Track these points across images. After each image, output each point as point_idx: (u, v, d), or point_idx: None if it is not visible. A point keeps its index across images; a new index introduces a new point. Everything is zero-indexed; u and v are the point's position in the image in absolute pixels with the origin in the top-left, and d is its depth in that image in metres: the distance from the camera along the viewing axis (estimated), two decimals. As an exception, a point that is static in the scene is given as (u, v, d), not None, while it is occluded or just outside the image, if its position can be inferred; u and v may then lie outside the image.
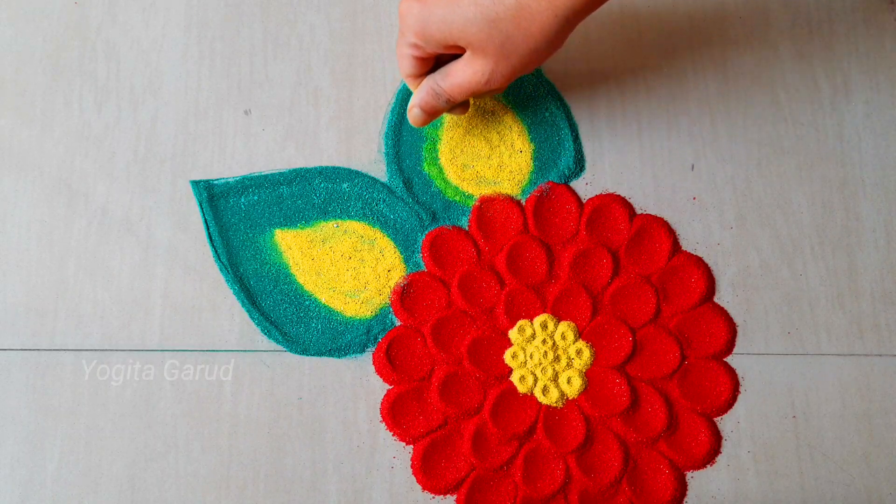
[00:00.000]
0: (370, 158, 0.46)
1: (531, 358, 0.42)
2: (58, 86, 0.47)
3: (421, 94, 0.40)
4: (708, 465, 0.42)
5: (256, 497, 0.41)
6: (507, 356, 0.42)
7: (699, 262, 0.44)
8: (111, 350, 0.43)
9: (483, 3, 0.35)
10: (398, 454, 0.42)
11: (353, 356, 0.43)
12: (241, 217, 0.45)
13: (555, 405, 0.42)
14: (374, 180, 0.45)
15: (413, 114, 0.41)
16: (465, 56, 0.37)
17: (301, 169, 0.46)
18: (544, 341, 0.42)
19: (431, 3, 0.36)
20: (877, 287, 0.44)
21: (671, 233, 0.45)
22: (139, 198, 0.45)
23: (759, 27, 0.48)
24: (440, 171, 0.46)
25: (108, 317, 0.43)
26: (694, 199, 0.46)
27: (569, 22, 0.36)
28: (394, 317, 0.43)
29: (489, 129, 0.46)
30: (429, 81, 0.39)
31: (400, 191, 0.45)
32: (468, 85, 0.38)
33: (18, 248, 0.44)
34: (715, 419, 0.42)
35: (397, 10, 0.48)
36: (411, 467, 0.41)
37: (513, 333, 0.43)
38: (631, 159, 0.46)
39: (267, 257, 0.44)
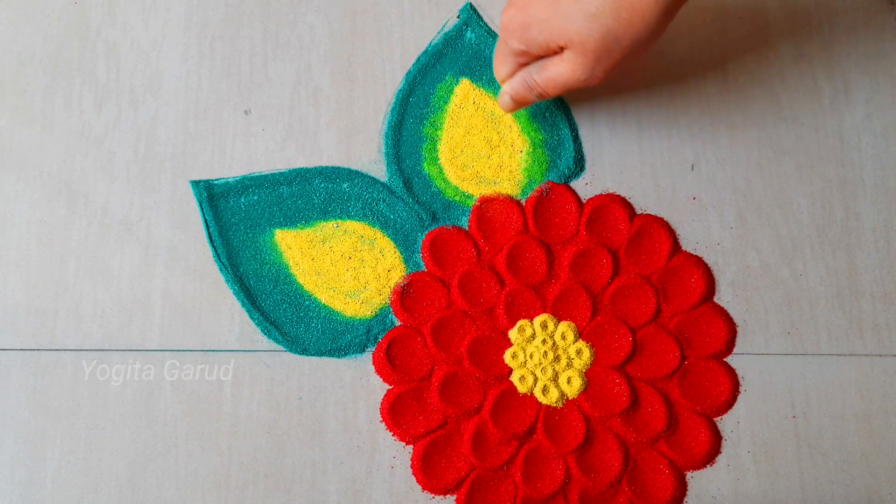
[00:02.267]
0: (370, 158, 0.46)
1: (531, 358, 0.42)
2: (58, 86, 0.47)
3: (514, 84, 0.40)
4: (708, 465, 0.42)
5: (256, 497, 0.41)
6: (507, 356, 0.42)
7: (699, 262, 0.44)
8: (111, 350, 0.43)
9: (583, 0, 0.35)
10: (398, 454, 0.42)
11: (353, 356, 0.43)
12: (241, 217, 0.45)
13: (555, 405, 0.42)
14: (374, 180, 0.45)
15: (503, 100, 0.42)
16: (565, 53, 0.37)
17: (301, 169, 0.46)
18: (544, 341, 0.42)
19: (532, 7, 0.37)
20: (877, 287, 0.44)
21: (671, 233, 0.45)
22: (139, 198, 0.45)
23: (759, 27, 0.48)
24: (440, 171, 0.46)
25: (108, 317, 0.43)
26: (694, 199, 0.46)
27: (669, 9, 0.35)
28: (394, 317, 0.43)
29: (489, 129, 0.46)
30: (524, 73, 0.40)
31: (400, 191, 0.45)
32: (566, 82, 0.38)
33: (18, 248, 0.44)
34: (715, 419, 0.42)
35: (397, 11, 0.48)
36: (411, 467, 0.41)
37: (513, 333, 0.43)
38: (631, 159, 0.46)
39: (267, 257, 0.44)
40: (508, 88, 0.41)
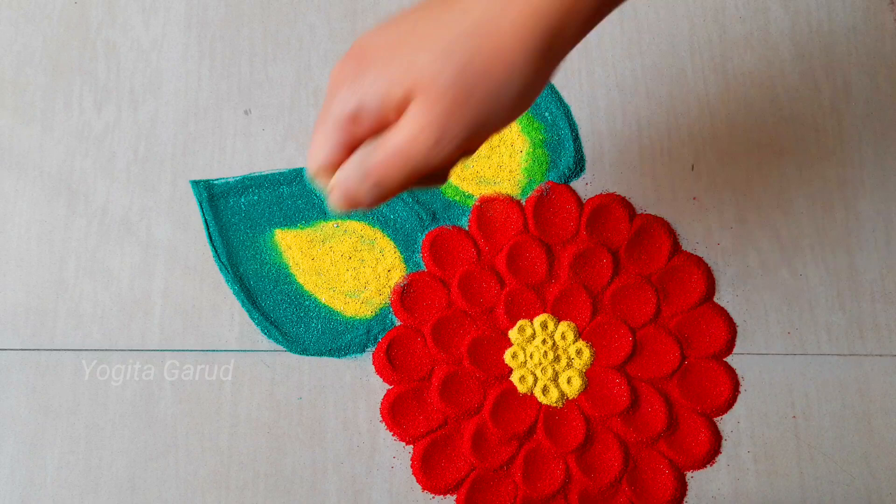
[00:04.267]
0: (370, 158, 0.46)
1: (531, 358, 0.42)
2: (58, 86, 0.47)
3: (345, 173, 0.27)
4: (708, 465, 0.42)
5: (256, 497, 0.41)
6: (507, 356, 0.42)
7: (699, 262, 0.44)
8: (111, 350, 0.43)
9: (433, 33, 0.25)
10: (398, 454, 0.42)
11: (353, 356, 0.43)
12: (241, 217, 0.45)
13: (555, 405, 0.42)
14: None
15: (331, 197, 0.28)
16: (410, 108, 0.26)
17: (301, 169, 0.46)
18: (544, 341, 0.42)
19: (369, 51, 0.27)
20: (877, 287, 0.44)
21: (671, 233, 0.45)
22: (139, 198, 0.45)
23: (759, 27, 0.48)
24: (440, 171, 0.45)
25: (108, 317, 0.43)
26: (694, 199, 0.46)
27: (547, 45, 0.26)
28: (394, 317, 0.43)
29: (489, 129, 0.46)
30: (355, 157, 0.27)
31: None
32: (410, 152, 0.26)
33: (18, 248, 0.44)
34: (715, 419, 0.42)
35: (398, 10, 0.48)
36: (411, 467, 0.41)
37: (513, 333, 0.43)
38: (631, 159, 0.46)
39: (267, 257, 0.44)
40: (337, 180, 0.27)
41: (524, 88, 0.26)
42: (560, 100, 0.47)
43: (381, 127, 0.27)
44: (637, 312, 0.43)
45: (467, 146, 0.27)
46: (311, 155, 0.28)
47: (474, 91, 0.25)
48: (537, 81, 0.26)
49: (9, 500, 0.41)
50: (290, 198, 0.45)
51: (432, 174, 0.28)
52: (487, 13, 0.25)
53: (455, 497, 0.41)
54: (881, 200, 0.45)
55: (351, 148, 0.27)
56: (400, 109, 0.26)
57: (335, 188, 0.28)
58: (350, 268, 0.44)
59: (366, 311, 0.43)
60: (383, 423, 0.42)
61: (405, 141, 0.26)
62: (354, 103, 0.26)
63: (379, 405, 0.42)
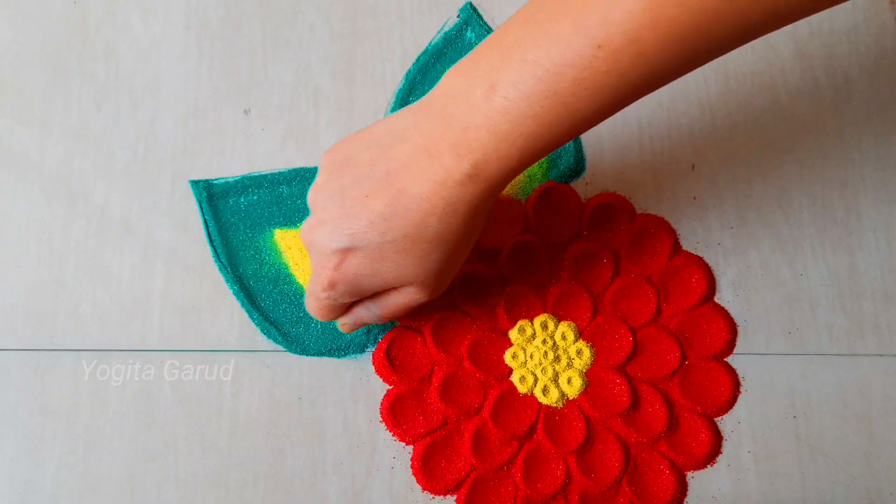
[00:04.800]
0: (370, 158, 0.46)
1: (531, 358, 0.42)
2: (57, 86, 0.47)
3: (354, 317, 0.38)
4: (708, 466, 0.41)
5: (256, 497, 0.41)
6: (508, 356, 0.42)
7: (700, 262, 0.44)
8: (111, 350, 0.43)
9: (406, 248, 0.32)
10: (398, 454, 0.41)
11: (353, 356, 0.43)
12: (240, 217, 0.45)
13: (555, 405, 0.41)
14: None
15: (345, 329, 0.40)
16: (403, 288, 0.35)
17: (301, 169, 0.45)
18: (544, 341, 0.42)
19: (349, 267, 0.34)
20: (878, 287, 0.44)
21: (672, 233, 0.45)
22: (139, 198, 0.45)
23: (760, 27, 0.48)
24: (440, 171, 0.45)
25: (108, 317, 0.43)
26: (694, 198, 0.46)
27: (481, 212, 0.33)
28: (394, 317, 0.43)
29: (489, 128, 0.46)
30: (360, 309, 0.37)
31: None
32: (408, 309, 0.36)
33: (18, 248, 0.44)
34: (715, 419, 0.42)
35: (397, 11, 0.48)
36: (411, 468, 0.41)
37: (513, 333, 0.43)
38: (631, 159, 0.46)
39: (267, 257, 0.44)
40: (348, 320, 0.38)
41: (473, 246, 0.36)
42: (560, 100, 0.46)
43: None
44: (637, 312, 0.43)
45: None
46: (316, 314, 0.38)
47: (449, 271, 0.35)
48: (477, 236, 0.35)
49: (8, 500, 0.41)
50: (290, 198, 0.45)
51: None
52: (442, 228, 0.32)
53: (455, 497, 0.41)
54: (882, 200, 0.45)
55: (346, 307, 0.38)
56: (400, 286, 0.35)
57: (346, 324, 0.39)
58: (350, 268, 0.44)
59: (366, 312, 0.43)
60: (383, 424, 0.42)
61: (407, 302, 0.36)
62: (357, 297, 0.36)
63: (379, 405, 0.42)
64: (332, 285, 0.35)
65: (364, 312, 0.37)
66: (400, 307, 0.36)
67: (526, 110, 0.29)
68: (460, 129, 0.31)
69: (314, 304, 0.37)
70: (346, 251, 0.33)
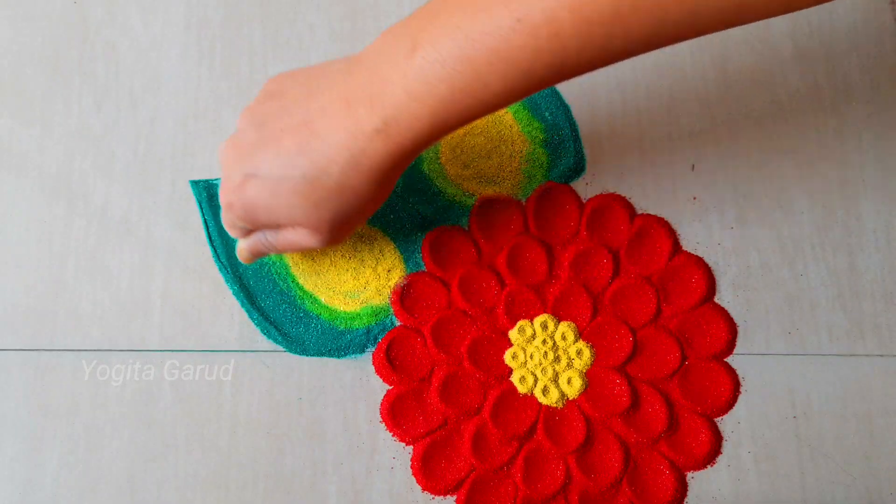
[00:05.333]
0: (370, 158, 0.46)
1: (531, 358, 0.42)
2: (57, 86, 0.47)
3: (250, 242, 0.38)
4: (708, 466, 0.41)
5: (256, 497, 0.41)
6: (508, 356, 0.42)
7: (700, 263, 0.44)
8: (111, 350, 0.43)
9: (302, 189, 0.33)
10: (398, 455, 0.41)
11: (353, 356, 0.43)
12: (240, 217, 0.45)
13: (555, 405, 0.41)
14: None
15: (241, 254, 0.40)
16: (298, 228, 0.36)
17: (301, 169, 0.45)
18: (544, 341, 0.42)
19: (249, 190, 0.34)
20: (878, 287, 0.44)
21: (671, 233, 0.45)
22: (139, 198, 0.45)
23: (759, 27, 0.48)
24: (440, 170, 0.45)
25: (108, 317, 0.43)
26: (694, 198, 0.45)
27: (388, 182, 0.34)
28: (394, 317, 0.43)
29: (489, 129, 0.46)
30: (259, 235, 0.38)
31: (400, 191, 0.45)
32: (300, 247, 0.36)
33: (18, 248, 0.44)
34: (715, 419, 0.42)
35: (397, 11, 0.48)
36: (411, 468, 0.41)
37: (513, 334, 0.43)
38: (631, 159, 0.46)
39: (266, 257, 0.44)
40: (244, 245, 0.39)
41: (376, 204, 0.35)
42: (560, 100, 0.47)
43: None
44: (637, 313, 0.43)
45: (348, 236, 0.38)
46: (227, 230, 0.39)
47: (344, 222, 0.35)
48: (385, 195, 0.35)
49: (8, 501, 0.41)
50: (290, 198, 0.45)
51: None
52: (344, 176, 0.32)
53: (455, 497, 0.41)
54: (882, 200, 0.45)
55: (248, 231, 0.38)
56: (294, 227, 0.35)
57: (243, 249, 0.39)
58: (350, 268, 0.44)
59: (365, 312, 0.43)
60: (383, 424, 0.42)
61: (300, 241, 0.36)
62: (251, 225, 0.36)
63: (379, 406, 0.42)
64: (229, 206, 0.35)
65: (261, 239, 0.37)
66: (293, 244, 0.36)
67: (440, 73, 0.30)
68: (379, 83, 0.31)
69: (222, 216, 0.38)
70: (247, 176, 0.34)
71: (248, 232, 0.38)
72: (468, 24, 0.29)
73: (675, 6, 0.28)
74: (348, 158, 0.32)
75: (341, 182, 0.33)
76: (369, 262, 0.44)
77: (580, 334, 0.43)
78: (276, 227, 0.36)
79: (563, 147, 0.46)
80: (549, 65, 0.30)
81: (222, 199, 0.36)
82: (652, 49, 0.30)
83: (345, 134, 0.32)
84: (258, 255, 0.39)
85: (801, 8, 0.30)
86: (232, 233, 0.39)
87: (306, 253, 0.44)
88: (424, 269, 0.44)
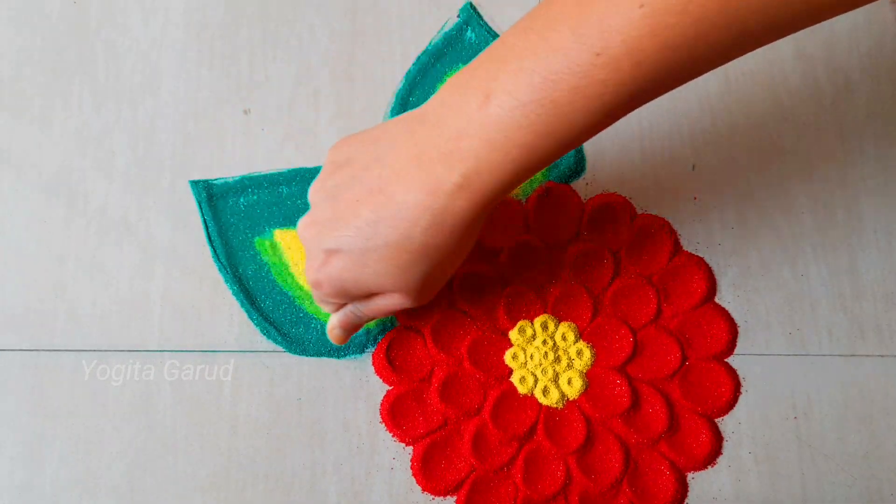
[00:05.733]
0: (370, 158, 0.46)
1: (531, 359, 0.42)
2: (56, 86, 0.47)
3: (341, 318, 0.38)
4: (709, 466, 0.41)
5: (256, 497, 0.41)
6: (508, 357, 0.42)
7: (700, 263, 0.44)
8: (111, 350, 0.43)
9: (389, 256, 0.32)
10: (398, 455, 0.41)
11: (353, 357, 0.43)
12: (240, 217, 0.45)
13: (555, 406, 0.41)
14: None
15: (334, 334, 0.39)
16: (387, 294, 0.35)
17: (301, 169, 0.45)
18: (545, 342, 0.42)
19: (338, 272, 0.34)
20: (878, 288, 0.44)
21: (672, 233, 0.45)
22: (138, 198, 0.45)
23: (760, 27, 0.48)
24: (440, 171, 0.45)
25: (108, 317, 0.43)
26: (695, 199, 0.45)
27: (473, 236, 0.33)
28: (393, 317, 0.43)
29: (489, 129, 0.46)
30: (350, 308, 0.38)
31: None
32: (395, 310, 0.36)
33: (18, 248, 0.44)
34: (716, 420, 0.42)
35: (397, 11, 0.48)
36: (411, 468, 0.41)
37: (513, 334, 0.42)
38: (631, 159, 0.46)
39: (266, 257, 0.44)
40: (336, 322, 0.39)
41: (462, 259, 0.35)
42: (560, 100, 0.46)
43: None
44: (638, 313, 0.43)
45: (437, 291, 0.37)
46: (319, 305, 0.39)
47: (434, 283, 0.35)
48: (470, 248, 0.34)
49: (8, 501, 0.41)
50: (290, 198, 0.45)
51: None
52: (428, 237, 0.32)
53: (455, 498, 0.41)
54: (883, 200, 0.45)
55: (340, 305, 0.38)
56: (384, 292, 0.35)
57: (335, 328, 0.39)
58: (350, 268, 0.44)
59: (366, 312, 0.43)
60: (383, 424, 0.42)
61: (392, 306, 0.36)
62: (344, 300, 0.37)
63: (379, 406, 0.42)
64: (317, 284, 0.35)
65: (353, 310, 0.38)
66: (384, 310, 0.36)
67: (521, 120, 0.29)
68: (453, 138, 0.30)
69: (313, 295, 0.39)
70: (330, 252, 0.34)
71: (339, 306, 0.38)
72: (543, 66, 0.28)
73: (754, 17, 0.27)
74: (430, 219, 0.31)
75: (425, 243, 0.32)
76: (369, 262, 0.44)
77: (580, 335, 0.43)
78: (366, 296, 0.36)
79: (563, 147, 0.46)
80: (633, 93, 0.29)
81: (309, 278, 0.36)
82: (736, 58, 0.29)
83: (423, 194, 0.31)
84: (351, 329, 0.39)
85: (865, 4, 0.29)
86: (325, 308, 0.39)
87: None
88: (424, 269, 0.44)
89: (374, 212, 0.32)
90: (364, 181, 0.33)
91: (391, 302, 0.35)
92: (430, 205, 0.31)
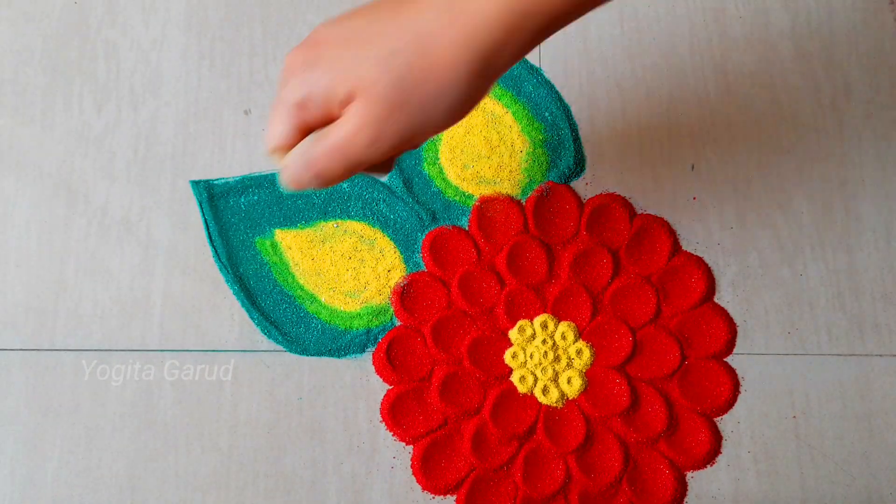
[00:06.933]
0: (370, 158, 0.46)
1: (531, 358, 0.42)
2: (58, 86, 0.47)
3: (292, 159, 0.30)
4: (708, 465, 0.42)
5: (256, 497, 0.41)
6: (507, 356, 0.42)
7: (699, 262, 0.44)
8: (111, 350, 0.43)
9: (381, 35, 0.27)
10: (398, 454, 0.41)
11: (353, 356, 0.43)
12: (240, 217, 0.45)
13: (555, 405, 0.42)
14: (374, 180, 0.45)
15: (281, 178, 0.31)
16: (351, 107, 0.28)
17: (301, 169, 0.45)
18: (544, 341, 0.42)
19: (321, 47, 0.29)
20: (877, 287, 0.44)
21: (671, 233, 0.45)
22: (139, 198, 0.45)
23: (759, 27, 0.48)
24: (440, 171, 0.45)
25: (108, 317, 0.43)
26: (694, 199, 0.46)
27: (484, 61, 0.27)
28: (394, 317, 0.43)
29: (489, 129, 0.46)
30: (301, 147, 0.30)
31: (400, 191, 0.45)
32: (349, 145, 0.28)
33: (18, 248, 0.44)
34: (715, 419, 0.42)
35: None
36: (411, 467, 0.41)
37: (513, 333, 0.43)
38: (631, 159, 0.46)
39: (267, 257, 0.44)
40: (285, 164, 0.30)
41: (456, 102, 0.28)
42: (560, 100, 0.47)
43: (327, 116, 0.29)
44: (637, 312, 0.43)
45: (406, 146, 0.29)
46: (267, 135, 0.30)
47: (409, 99, 0.28)
48: (470, 96, 0.28)
49: (9, 500, 0.41)
50: (290, 198, 0.45)
51: (374, 166, 0.30)
52: (430, 27, 0.27)
53: (455, 497, 0.41)
54: (881, 200, 0.45)
55: (302, 131, 0.29)
56: (343, 104, 0.28)
57: (284, 171, 0.30)
58: (350, 268, 0.44)
59: (366, 312, 0.43)
60: (383, 423, 0.42)
61: (343, 138, 0.28)
62: (303, 93, 0.28)
63: (379, 405, 0.42)
64: (291, 61, 0.29)
65: (302, 152, 0.29)
66: (340, 144, 0.28)
67: None
68: None
69: (272, 109, 0.30)
70: (327, 24, 0.29)
71: (289, 135, 0.30)
72: None
73: None
74: (444, 6, 0.27)
75: (426, 29, 0.27)
76: (369, 262, 0.44)
77: (580, 334, 0.43)
78: (328, 112, 0.29)
79: (563, 147, 0.46)
80: None
81: (287, 58, 0.29)
82: None
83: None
84: (296, 184, 0.30)
85: None
86: (276, 130, 0.30)
87: (307, 252, 0.44)
88: (424, 268, 0.44)
89: (395, 3, 0.28)
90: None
91: (349, 127, 0.28)
92: (446, 5, 0.27)
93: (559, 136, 0.46)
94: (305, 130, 0.29)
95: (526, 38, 0.28)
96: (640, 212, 0.45)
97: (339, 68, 0.28)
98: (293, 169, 0.30)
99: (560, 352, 0.42)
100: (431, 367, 0.42)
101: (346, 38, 0.28)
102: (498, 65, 0.28)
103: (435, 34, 0.27)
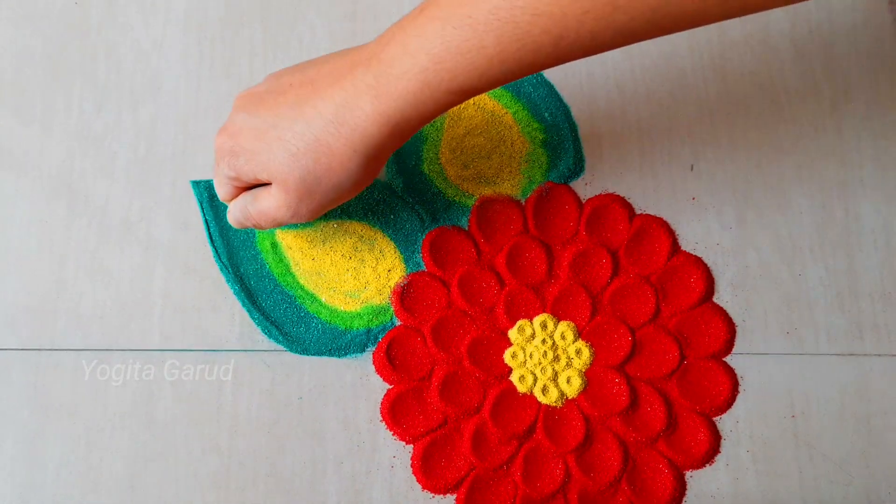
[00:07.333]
0: (370, 158, 0.46)
1: (531, 357, 0.42)
2: (58, 86, 0.47)
3: (235, 209, 0.38)
4: (707, 465, 0.42)
5: (256, 497, 0.41)
6: (507, 356, 0.42)
7: (699, 262, 0.44)
8: (111, 350, 0.43)
9: (285, 138, 0.33)
10: (398, 454, 0.42)
11: (353, 356, 0.43)
12: (241, 217, 0.45)
13: (554, 405, 0.42)
14: (374, 180, 0.45)
15: (230, 218, 0.39)
16: (273, 187, 0.35)
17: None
18: (544, 341, 0.42)
19: (241, 136, 0.35)
20: (876, 287, 0.44)
21: (671, 233, 0.45)
22: (139, 198, 0.45)
23: (759, 27, 0.48)
24: (440, 171, 0.46)
25: (108, 317, 0.43)
26: (693, 199, 0.46)
27: (369, 158, 0.33)
28: (394, 317, 0.43)
29: (489, 129, 0.46)
30: (242, 200, 0.38)
31: (400, 191, 0.45)
32: (274, 216, 0.36)
33: (18, 248, 0.44)
34: (714, 419, 0.42)
35: (397, 11, 0.48)
36: (411, 467, 0.41)
37: (512, 333, 0.43)
38: (631, 159, 0.46)
39: (267, 257, 0.44)
40: (232, 210, 0.39)
41: (353, 185, 0.35)
42: (560, 100, 0.47)
43: (256, 182, 0.37)
44: (636, 312, 0.43)
45: (316, 216, 0.36)
46: (217, 190, 0.39)
47: (315, 189, 0.34)
48: (365, 178, 0.35)
49: (8, 500, 0.41)
50: (290, 198, 0.45)
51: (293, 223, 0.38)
52: (322, 135, 0.33)
53: (455, 496, 0.41)
54: (881, 201, 0.46)
55: (240, 190, 0.38)
56: (267, 181, 0.36)
57: (229, 215, 0.39)
58: (350, 268, 0.44)
59: (366, 311, 0.43)
60: (383, 423, 0.42)
61: (269, 208, 0.36)
62: (232, 174, 0.36)
63: (379, 405, 0.42)
64: (219, 148, 0.36)
65: (242, 206, 0.38)
66: (267, 212, 0.36)
67: (438, 30, 0.30)
68: (382, 45, 0.32)
69: (214, 172, 0.38)
70: (244, 116, 0.35)
71: (234, 191, 0.38)
72: None
73: None
74: (335, 113, 0.32)
75: (320, 138, 0.33)
76: (369, 262, 0.44)
77: (579, 334, 0.43)
78: (254, 185, 0.37)
79: (562, 147, 0.46)
80: (547, 30, 0.29)
81: (216, 140, 0.36)
82: (654, 34, 0.29)
83: (341, 92, 0.33)
84: (242, 226, 0.39)
85: (779, 6, 0.29)
86: (220, 191, 0.39)
87: (307, 252, 0.44)
88: (424, 269, 0.44)
89: (297, 97, 0.34)
90: (305, 72, 0.35)
91: (272, 202, 0.35)
92: (341, 102, 0.32)
93: (559, 137, 0.46)
94: (243, 189, 0.38)
95: (405, 135, 0.34)
96: (639, 212, 0.45)
97: (257, 161, 0.35)
98: (235, 217, 0.38)
99: (559, 351, 0.42)
100: (431, 366, 0.42)
101: (258, 132, 0.34)
102: (383, 157, 0.34)
103: (328, 142, 0.33)
